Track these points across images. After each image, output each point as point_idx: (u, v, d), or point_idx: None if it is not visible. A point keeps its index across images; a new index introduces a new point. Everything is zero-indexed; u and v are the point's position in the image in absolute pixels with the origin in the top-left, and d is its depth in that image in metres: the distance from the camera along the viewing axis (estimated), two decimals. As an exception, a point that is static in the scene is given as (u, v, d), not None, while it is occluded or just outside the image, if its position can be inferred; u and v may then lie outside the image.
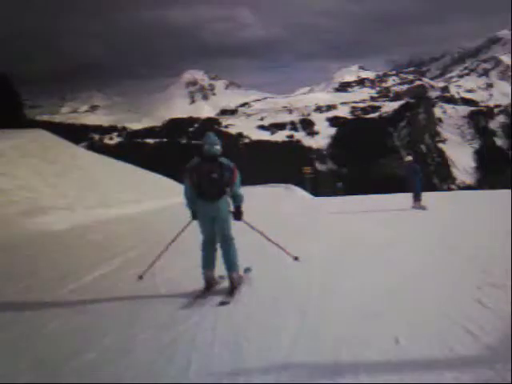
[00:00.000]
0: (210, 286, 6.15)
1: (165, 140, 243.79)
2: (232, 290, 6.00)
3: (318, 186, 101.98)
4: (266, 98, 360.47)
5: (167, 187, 35.52)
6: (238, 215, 6.22)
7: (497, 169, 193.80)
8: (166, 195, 28.67)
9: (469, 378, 3.18)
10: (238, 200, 6.17)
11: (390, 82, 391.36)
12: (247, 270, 6.80)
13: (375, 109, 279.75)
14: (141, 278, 6.69)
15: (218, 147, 6.04)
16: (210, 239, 6.16)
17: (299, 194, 43.89)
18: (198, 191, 5.96)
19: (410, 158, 18.37)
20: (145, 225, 16.71)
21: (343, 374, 3.39)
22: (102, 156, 36.10)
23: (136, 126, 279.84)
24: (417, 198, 17.18)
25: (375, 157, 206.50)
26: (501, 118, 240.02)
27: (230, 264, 6.12)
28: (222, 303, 5.60)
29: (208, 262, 6.16)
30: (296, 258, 6.78)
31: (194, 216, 6.17)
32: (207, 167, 5.89)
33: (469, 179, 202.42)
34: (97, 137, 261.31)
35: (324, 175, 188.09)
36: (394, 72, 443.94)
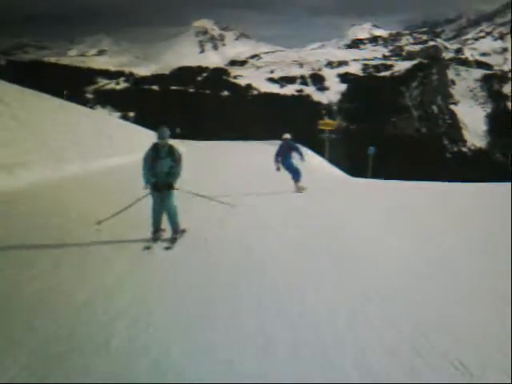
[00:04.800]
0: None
1: (172, 88, 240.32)
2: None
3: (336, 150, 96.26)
4: (276, 51, 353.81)
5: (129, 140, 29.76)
6: None
7: (508, 132, 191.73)
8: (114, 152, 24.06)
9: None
10: None
11: (404, 41, 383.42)
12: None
13: (387, 67, 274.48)
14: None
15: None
16: None
17: (315, 163, 33.53)
18: None
19: (287, 135, 16.65)
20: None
21: None
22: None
23: (144, 72, 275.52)
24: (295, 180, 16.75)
25: (386, 115, 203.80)
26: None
27: None
28: None
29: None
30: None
31: None
32: None
33: (479, 142, 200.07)
34: (102, 82, 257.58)
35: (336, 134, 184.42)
36: (407, 31, 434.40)
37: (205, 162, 29.71)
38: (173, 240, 8.75)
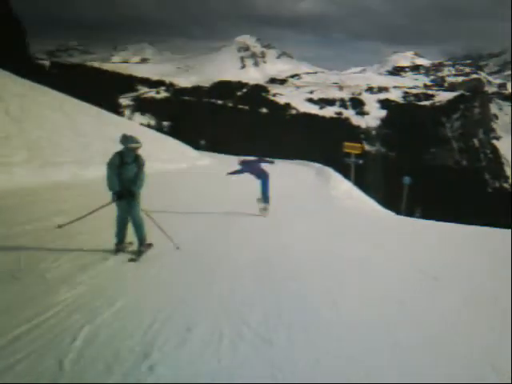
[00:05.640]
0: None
1: (211, 101, 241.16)
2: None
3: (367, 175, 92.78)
4: (316, 73, 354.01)
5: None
6: None
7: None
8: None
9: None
10: None
11: (446, 71, 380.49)
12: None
13: (428, 97, 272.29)
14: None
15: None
16: None
17: (342, 191, 27.46)
18: None
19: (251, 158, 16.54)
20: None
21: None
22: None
23: (184, 83, 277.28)
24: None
25: (425, 145, 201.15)
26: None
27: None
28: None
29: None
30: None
31: None
32: None
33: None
34: (142, 89, 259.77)
35: (373, 160, 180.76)
36: (449, 62, 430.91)
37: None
38: (139, 253, 8.36)
